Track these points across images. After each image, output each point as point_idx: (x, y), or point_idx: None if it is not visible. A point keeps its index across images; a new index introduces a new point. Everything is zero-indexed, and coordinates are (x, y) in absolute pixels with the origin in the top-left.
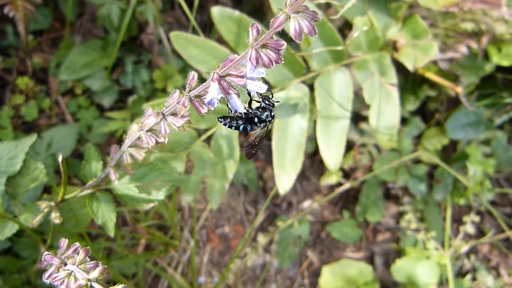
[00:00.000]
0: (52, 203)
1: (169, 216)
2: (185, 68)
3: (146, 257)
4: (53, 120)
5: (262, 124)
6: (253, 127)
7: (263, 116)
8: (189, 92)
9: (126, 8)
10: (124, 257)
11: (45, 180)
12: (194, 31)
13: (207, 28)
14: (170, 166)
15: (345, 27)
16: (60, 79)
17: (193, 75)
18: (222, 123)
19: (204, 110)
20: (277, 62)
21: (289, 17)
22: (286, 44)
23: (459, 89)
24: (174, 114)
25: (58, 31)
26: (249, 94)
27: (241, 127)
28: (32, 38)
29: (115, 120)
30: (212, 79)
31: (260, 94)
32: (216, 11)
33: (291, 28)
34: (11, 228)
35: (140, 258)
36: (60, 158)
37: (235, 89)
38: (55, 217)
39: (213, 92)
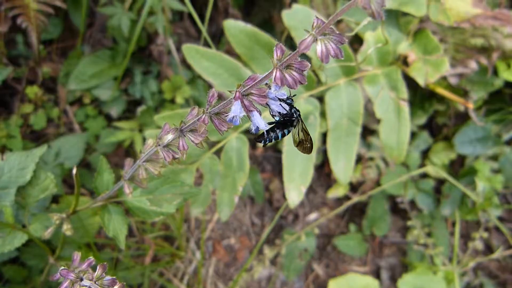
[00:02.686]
0: (64, 215)
1: (175, 227)
2: (193, 79)
3: (152, 268)
4: (61, 129)
5: (295, 122)
6: (289, 129)
7: (291, 113)
8: (210, 109)
9: (136, 19)
10: (130, 268)
11: (55, 190)
12: (205, 43)
13: (216, 39)
14: (180, 178)
15: (355, 41)
16: (69, 89)
17: (213, 93)
18: (263, 143)
19: (224, 128)
20: (301, 83)
21: (316, 40)
22: (310, 65)
23: (471, 105)
24: (192, 130)
25: (67, 41)
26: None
27: (280, 135)
28: (42, 47)
29: (123, 130)
30: (234, 97)
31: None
32: (228, 24)
33: (318, 51)
34: (20, 238)
35: (146, 269)
36: (74, 171)
37: (257, 107)
38: (67, 229)
39: (236, 110)
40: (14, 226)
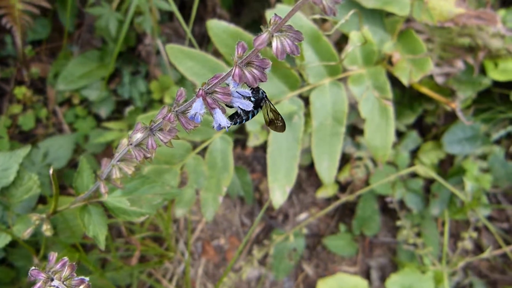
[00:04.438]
0: (44, 215)
1: (164, 228)
2: (182, 80)
3: (141, 269)
4: (50, 129)
5: (262, 103)
6: (257, 110)
7: (259, 95)
8: (176, 108)
9: (124, 19)
10: (118, 269)
11: (39, 191)
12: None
13: (206, 39)
14: (164, 178)
15: (343, 40)
16: (58, 89)
17: (181, 91)
18: (234, 123)
19: (190, 126)
20: (261, 81)
21: (272, 36)
22: (271, 62)
23: (454, 105)
24: (162, 129)
25: (56, 41)
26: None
27: (250, 116)
28: (30, 48)
29: (112, 131)
30: (197, 95)
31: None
32: (211, 24)
33: (273, 47)
34: (4, 239)
35: (135, 270)
36: (51, 171)
37: (220, 104)
38: (46, 230)
39: (197, 107)
40: None
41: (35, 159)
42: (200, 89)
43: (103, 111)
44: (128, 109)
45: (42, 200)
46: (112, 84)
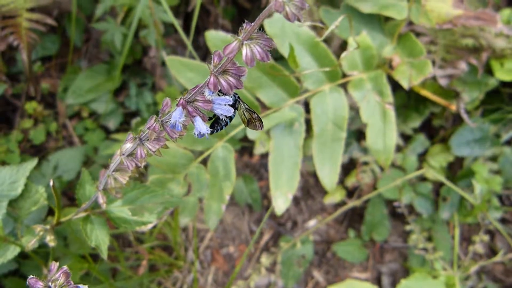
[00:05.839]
0: (47, 226)
1: (172, 237)
2: (186, 90)
3: (150, 278)
4: (60, 143)
5: (236, 104)
6: (235, 112)
7: (228, 98)
8: (163, 117)
9: (128, 33)
10: (128, 278)
11: (46, 203)
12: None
13: (209, 50)
14: (168, 188)
15: (345, 47)
16: (67, 103)
17: (166, 101)
18: (215, 130)
19: (175, 135)
20: (237, 88)
21: (243, 44)
22: (246, 70)
23: (453, 107)
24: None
25: (66, 56)
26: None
27: (229, 120)
28: (40, 64)
29: (121, 142)
30: (177, 104)
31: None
32: (210, 35)
33: (243, 55)
34: (13, 251)
35: (144, 279)
36: (51, 183)
37: (201, 112)
38: (50, 240)
39: (176, 115)
40: (5, 239)
41: (45, 171)
42: (181, 98)
43: (112, 123)
44: (134, 121)
45: (52, 211)
46: (119, 97)
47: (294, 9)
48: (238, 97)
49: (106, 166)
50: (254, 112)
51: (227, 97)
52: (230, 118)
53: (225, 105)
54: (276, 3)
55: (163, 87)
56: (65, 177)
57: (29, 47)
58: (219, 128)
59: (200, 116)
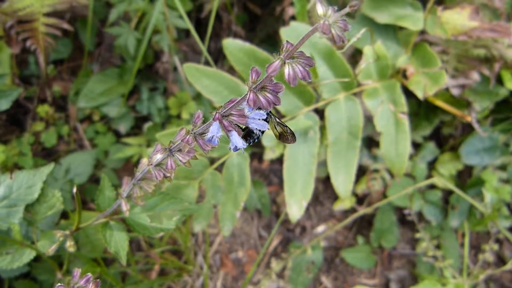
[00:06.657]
0: (67, 232)
1: (183, 241)
2: (199, 95)
3: (160, 282)
4: (71, 146)
5: (267, 118)
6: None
7: (262, 112)
8: (194, 130)
9: (142, 38)
10: (138, 282)
11: (62, 207)
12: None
13: (222, 55)
14: (183, 194)
15: (357, 53)
16: (79, 106)
17: (198, 114)
18: (249, 144)
19: (208, 148)
20: (275, 104)
21: (284, 63)
22: (284, 86)
23: (469, 118)
24: (180, 150)
25: (77, 60)
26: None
27: (257, 137)
28: (53, 67)
29: (131, 146)
30: (213, 118)
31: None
32: (227, 43)
33: (286, 74)
34: (29, 255)
35: (155, 283)
36: (74, 190)
37: (236, 126)
38: (70, 246)
39: (214, 130)
40: (22, 242)
41: (57, 175)
42: (216, 112)
43: (123, 127)
44: (146, 125)
45: (64, 215)
46: (131, 101)
47: (339, 31)
48: (270, 111)
49: (116, 170)
50: (286, 126)
51: (261, 111)
52: (263, 131)
53: (259, 119)
54: (324, 26)
55: (175, 92)
56: (77, 180)
57: (45, 51)
58: (251, 141)
59: (236, 131)
